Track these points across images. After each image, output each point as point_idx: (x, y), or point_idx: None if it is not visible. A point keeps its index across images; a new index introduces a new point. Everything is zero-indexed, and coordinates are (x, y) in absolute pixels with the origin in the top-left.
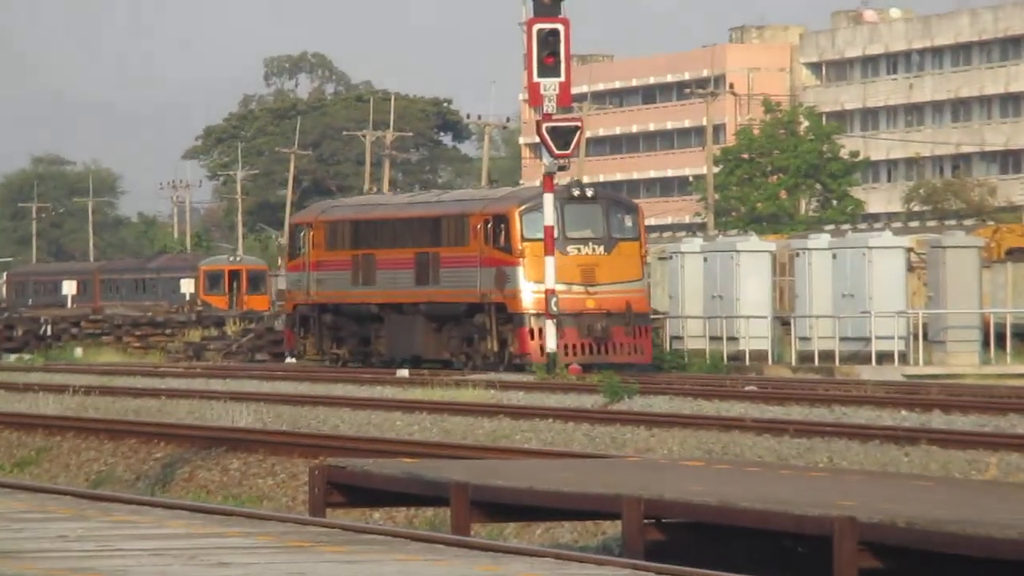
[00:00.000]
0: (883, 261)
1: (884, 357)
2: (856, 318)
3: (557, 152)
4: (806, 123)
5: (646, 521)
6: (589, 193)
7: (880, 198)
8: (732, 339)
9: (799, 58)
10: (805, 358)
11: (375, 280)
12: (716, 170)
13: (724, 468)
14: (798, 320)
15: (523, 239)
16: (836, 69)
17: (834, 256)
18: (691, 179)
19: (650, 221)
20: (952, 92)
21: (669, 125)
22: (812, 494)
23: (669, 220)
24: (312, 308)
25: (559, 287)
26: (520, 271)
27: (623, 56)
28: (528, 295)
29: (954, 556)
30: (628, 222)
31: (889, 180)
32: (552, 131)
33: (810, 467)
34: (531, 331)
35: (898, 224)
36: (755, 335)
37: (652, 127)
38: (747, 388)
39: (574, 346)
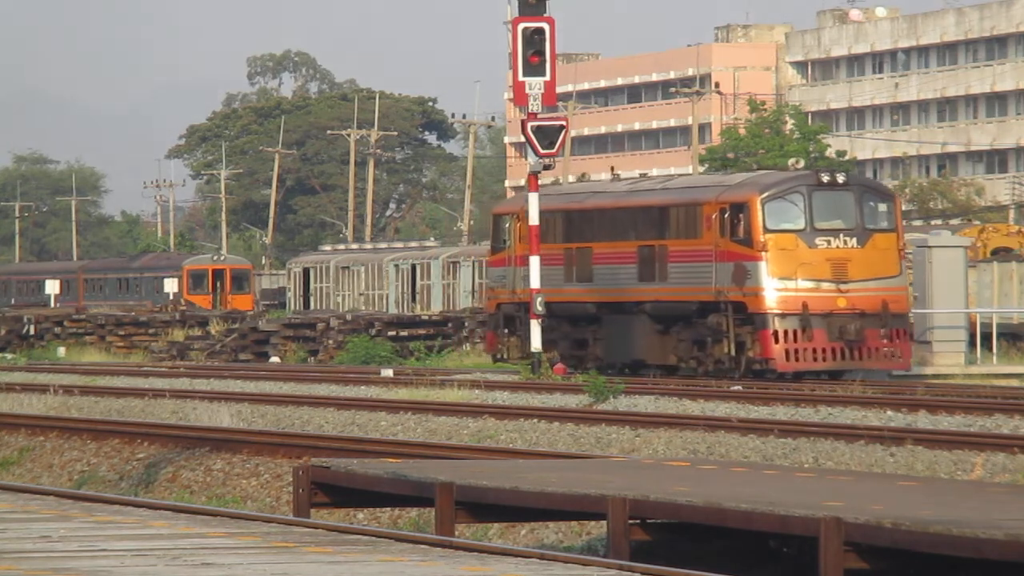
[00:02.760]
0: None
1: None
2: None
3: (542, 151)
4: (792, 122)
5: (631, 521)
6: (840, 179)
7: None
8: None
9: (785, 57)
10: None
11: (592, 276)
12: (701, 169)
13: (710, 468)
14: None
15: (766, 230)
16: (822, 68)
17: None
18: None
19: None
20: (938, 91)
21: (654, 124)
22: (798, 494)
23: None
24: (518, 307)
25: (806, 284)
26: (762, 266)
27: (608, 55)
28: (772, 293)
29: (940, 557)
30: (883, 211)
31: (875, 179)
32: (537, 130)
33: (796, 467)
34: (775, 333)
35: None
36: None
37: (637, 126)
38: (733, 388)
39: (823, 351)
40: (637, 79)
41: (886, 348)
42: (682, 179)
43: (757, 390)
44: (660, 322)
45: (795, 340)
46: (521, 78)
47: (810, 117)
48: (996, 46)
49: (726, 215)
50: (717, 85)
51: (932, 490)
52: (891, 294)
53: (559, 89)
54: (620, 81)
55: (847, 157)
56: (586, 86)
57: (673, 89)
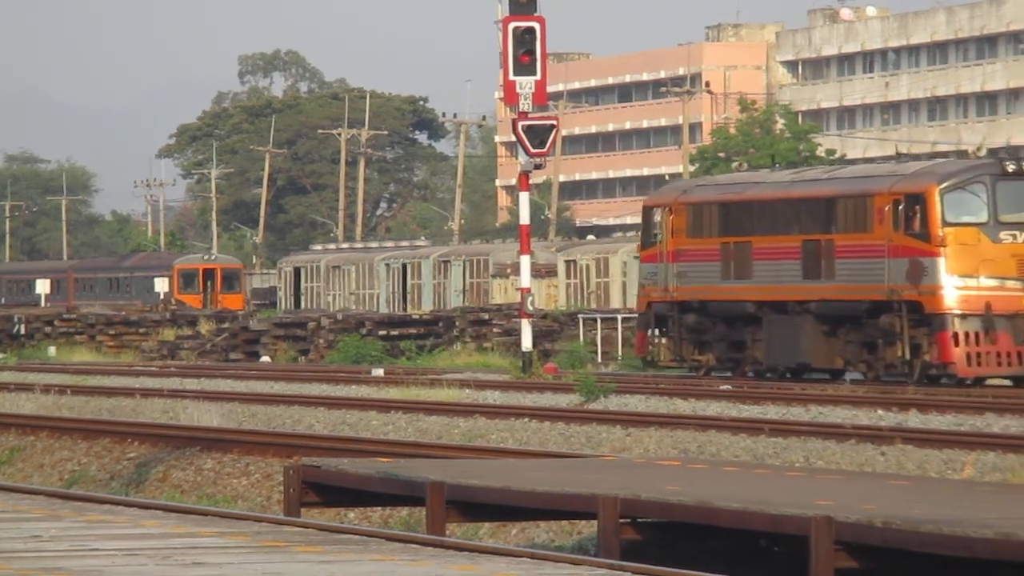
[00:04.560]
0: None
1: None
2: None
3: (533, 150)
4: (782, 122)
5: (622, 521)
6: None
7: None
8: None
9: (775, 56)
10: None
11: (751, 273)
12: (692, 169)
13: (700, 468)
14: None
15: (944, 223)
16: (812, 67)
17: None
18: (667, 178)
19: (626, 220)
20: (928, 91)
21: (645, 123)
22: (789, 494)
23: None
24: (671, 306)
25: (990, 282)
26: (941, 262)
27: (599, 54)
28: (951, 291)
29: (931, 555)
30: None
31: None
32: (528, 129)
33: (786, 467)
34: (955, 336)
35: None
36: None
37: (628, 125)
38: (723, 387)
39: (1008, 355)
40: (628, 78)
41: None
42: (851, 168)
43: (748, 389)
44: (826, 323)
45: (977, 343)
46: (512, 77)
47: (801, 116)
48: (986, 45)
49: (900, 207)
50: (708, 84)
51: (922, 489)
52: None
53: (550, 88)
54: (611, 80)
55: (837, 156)
56: (577, 85)
57: (664, 89)
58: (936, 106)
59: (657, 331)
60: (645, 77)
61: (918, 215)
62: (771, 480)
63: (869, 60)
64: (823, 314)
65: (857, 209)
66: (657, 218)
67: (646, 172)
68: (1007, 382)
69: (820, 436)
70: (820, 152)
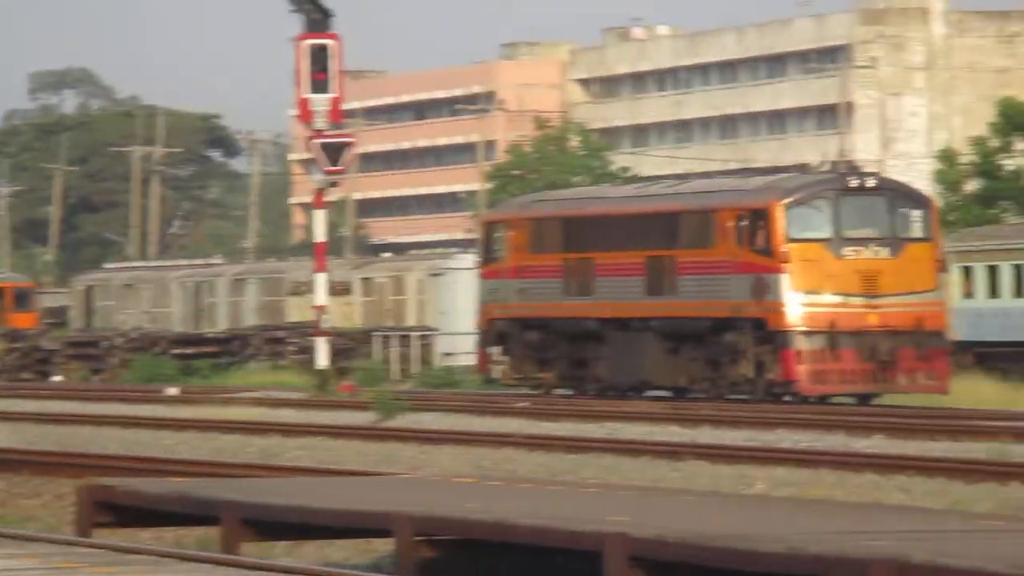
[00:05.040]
0: None
1: None
2: None
3: (328, 168)
4: (577, 139)
5: (418, 538)
6: (870, 182)
7: None
8: None
9: (570, 75)
10: None
11: (593, 290)
12: (488, 186)
13: (497, 484)
14: None
15: (788, 239)
16: (606, 86)
17: None
18: (463, 195)
19: (422, 238)
20: (719, 109)
21: (441, 141)
22: (584, 510)
23: (441, 236)
24: (512, 323)
25: (833, 299)
26: (785, 279)
27: (395, 72)
28: (795, 308)
29: (723, 570)
30: (918, 218)
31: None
32: (324, 147)
33: (582, 483)
34: (799, 353)
35: None
36: None
37: (424, 143)
38: (519, 404)
39: (852, 372)
40: (423, 96)
41: (922, 370)
42: (695, 183)
43: (543, 406)
44: (669, 340)
45: (821, 360)
46: (307, 95)
47: (595, 134)
48: (776, 64)
49: (744, 223)
50: (502, 102)
51: (715, 504)
52: (927, 310)
53: (345, 106)
54: (406, 98)
55: (631, 174)
56: (373, 103)
57: (459, 106)
58: (727, 124)
59: (498, 349)
60: (440, 95)
61: (762, 231)
62: (566, 496)
63: (661, 79)
64: (666, 331)
65: (700, 225)
66: (498, 234)
67: (442, 190)
68: (851, 400)
69: (615, 452)
70: (614, 170)
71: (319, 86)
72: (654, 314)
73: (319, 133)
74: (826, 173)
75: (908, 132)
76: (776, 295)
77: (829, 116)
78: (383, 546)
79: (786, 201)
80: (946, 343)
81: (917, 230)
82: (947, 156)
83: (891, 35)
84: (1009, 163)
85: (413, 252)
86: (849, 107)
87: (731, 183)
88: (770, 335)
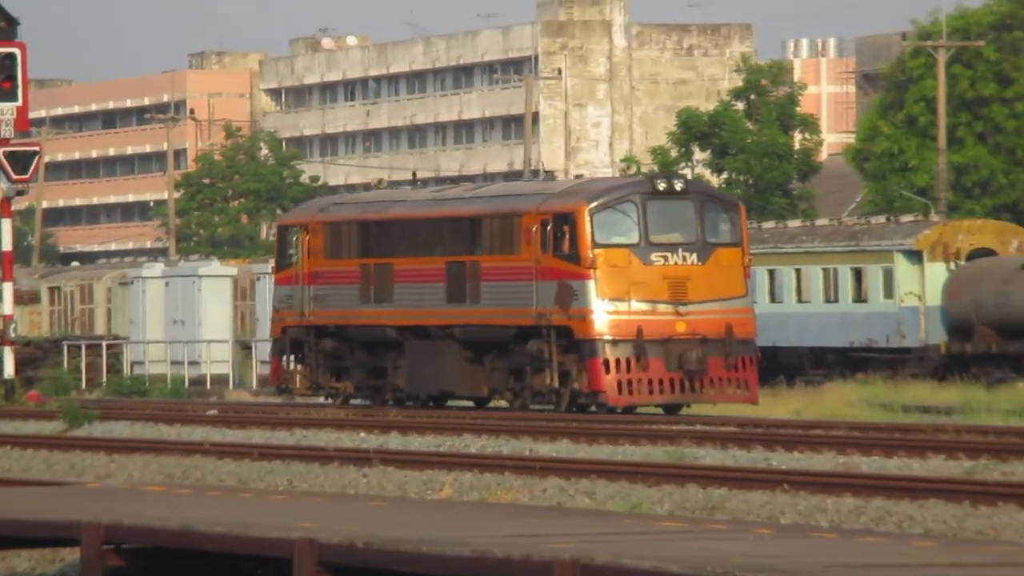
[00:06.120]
0: None
1: None
2: None
3: (15, 177)
4: (267, 149)
5: (106, 547)
6: (678, 186)
7: None
8: (194, 363)
9: (259, 84)
10: (266, 382)
11: (392, 297)
12: (177, 195)
13: (185, 493)
14: (259, 344)
15: (594, 244)
16: (295, 95)
17: None
18: (152, 204)
19: (111, 246)
20: (408, 119)
21: (129, 150)
22: (273, 517)
23: (130, 245)
24: (307, 331)
25: (641, 306)
26: (591, 285)
27: (82, 80)
28: (602, 316)
29: (411, 574)
30: (727, 223)
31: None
32: (10, 156)
33: (271, 490)
34: (606, 362)
35: None
36: (217, 359)
37: (112, 152)
38: (208, 412)
39: (660, 382)
40: (112, 104)
41: (731, 379)
42: (498, 186)
43: (233, 414)
44: (471, 349)
45: (628, 370)
46: None
47: (285, 143)
48: (463, 75)
49: (548, 227)
50: (192, 111)
51: (403, 509)
52: (736, 317)
53: (32, 115)
54: (94, 107)
55: (320, 183)
56: (60, 111)
57: (148, 115)
58: (416, 134)
59: (292, 358)
60: (129, 104)
61: (567, 236)
62: (255, 504)
63: (351, 89)
64: (468, 340)
65: (504, 229)
66: (293, 238)
67: (131, 199)
68: (659, 410)
69: (304, 459)
70: (304, 179)
71: (5, 94)
72: (455, 322)
73: (5, 141)
74: (634, 176)
75: (591, 142)
76: (582, 302)
77: (515, 126)
78: (70, 555)
79: (592, 205)
80: (755, 351)
81: (726, 235)
82: (629, 165)
83: (575, 47)
84: (688, 172)
85: (101, 261)
86: (534, 117)
87: (535, 186)
88: (576, 344)
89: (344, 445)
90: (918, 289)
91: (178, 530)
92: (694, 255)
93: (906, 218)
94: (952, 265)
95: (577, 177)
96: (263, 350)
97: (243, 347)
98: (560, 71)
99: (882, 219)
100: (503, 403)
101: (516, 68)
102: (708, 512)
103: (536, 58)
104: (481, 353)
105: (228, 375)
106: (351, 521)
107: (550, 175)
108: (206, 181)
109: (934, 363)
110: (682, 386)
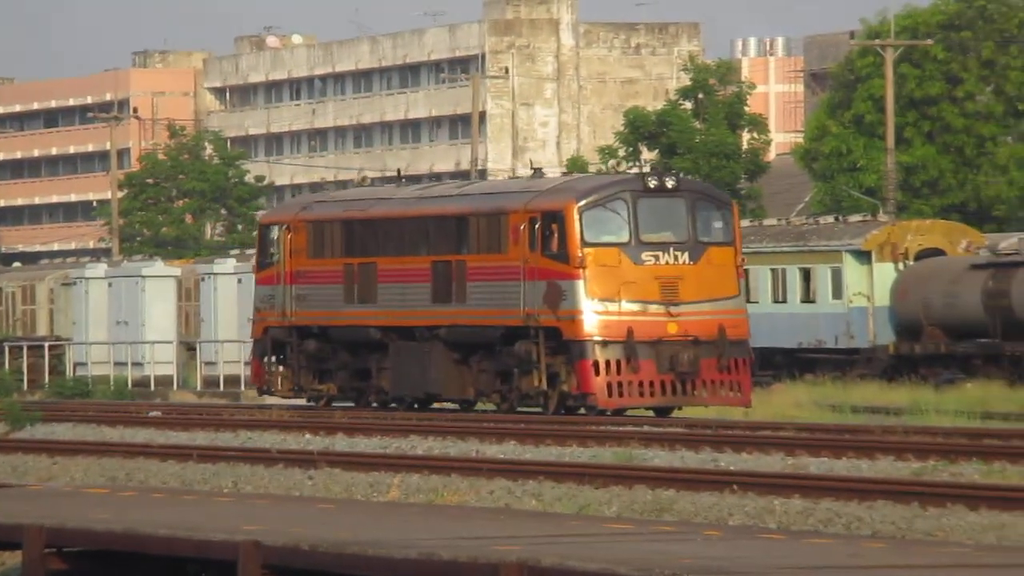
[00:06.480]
0: None
1: None
2: None
3: None
4: (211, 148)
5: (48, 551)
6: (669, 183)
7: None
8: (137, 365)
9: (203, 83)
10: (211, 383)
11: (376, 297)
12: (121, 195)
13: (129, 495)
14: (204, 345)
15: (584, 243)
16: (240, 94)
17: (240, 280)
18: (95, 204)
19: (53, 246)
20: (354, 118)
21: (72, 150)
22: (217, 519)
23: (73, 246)
24: (289, 332)
25: (631, 306)
26: (580, 285)
27: (24, 79)
28: (591, 317)
29: None
30: (720, 222)
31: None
32: None
33: (216, 492)
34: (596, 364)
35: None
36: (161, 360)
37: (55, 151)
38: (152, 414)
39: (651, 384)
40: (54, 104)
41: (723, 381)
42: (485, 184)
43: (177, 416)
44: (457, 350)
45: (618, 372)
46: None
47: (230, 143)
48: (409, 74)
49: (537, 226)
50: (136, 110)
51: (349, 512)
52: (729, 318)
53: None
54: (36, 106)
55: (266, 182)
56: (1, 111)
57: (91, 114)
58: (362, 133)
59: (274, 359)
60: (72, 103)
61: (556, 235)
62: (200, 506)
63: (296, 88)
64: (454, 341)
65: (491, 228)
66: (275, 236)
67: (74, 198)
68: (649, 412)
69: (249, 461)
70: (249, 178)
71: None
72: (441, 322)
73: None
74: (624, 173)
75: (539, 142)
76: (572, 303)
77: (462, 125)
78: (12, 559)
79: (582, 203)
80: (748, 353)
81: (718, 233)
82: (577, 165)
83: (522, 46)
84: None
85: (44, 261)
86: (481, 116)
87: (523, 183)
88: (565, 345)
89: (290, 447)
90: (867, 289)
91: (121, 533)
92: (686, 254)
93: (854, 218)
94: (901, 265)
95: (560, 177)
96: (207, 351)
97: (187, 348)
98: (507, 70)
99: (830, 219)
100: (490, 406)
101: (463, 67)
102: (656, 514)
103: (483, 57)
104: (467, 354)
105: (172, 376)
106: (297, 524)
107: (539, 172)
108: (150, 181)
109: (883, 364)
110: (674, 388)
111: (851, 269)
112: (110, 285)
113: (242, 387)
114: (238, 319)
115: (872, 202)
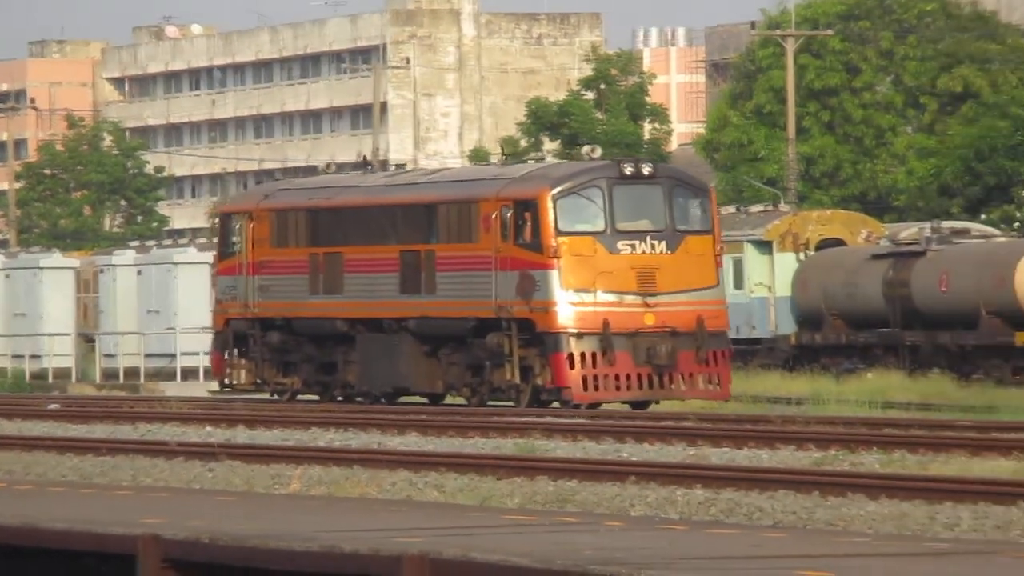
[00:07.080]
0: (188, 276)
1: (189, 373)
2: (162, 334)
3: None
4: (110, 139)
5: None
6: (646, 169)
7: (185, 214)
8: (35, 357)
9: (102, 73)
10: (110, 375)
11: (342, 287)
12: (18, 186)
13: (26, 488)
14: (103, 337)
15: (558, 232)
16: (139, 85)
17: (139, 272)
18: None
19: None
20: (254, 108)
21: None
22: (116, 512)
23: None
24: (251, 323)
25: (607, 297)
26: (554, 275)
27: None
28: (566, 308)
29: (258, 570)
30: (697, 209)
31: (194, 196)
32: None
33: (115, 485)
34: (571, 357)
35: (203, 240)
36: (59, 353)
37: None
38: (51, 407)
39: (627, 378)
40: None
41: (704, 373)
42: (455, 171)
43: (76, 408)
44: (427, 342)
45: (594, 365)
46: None
47: (128, 133)
48: (310, 64)
49: (509, 214)
50: (33, 101)
51: (250, 504)
52: (707, 308)
53: None
54: None
55: (165, 173)
56: None
57: None
58: (262, 124)
59: (236, 351)
60: None
61: (529, 223)
62: (99, 499)
63: (196, 78)
64: (423, 333)
65: (461, 216)
66: (236, 225)
67: None
68: (625, 407)
69: (148, 454)
70: (148, 169)
71: None
72: (410, 314)
73: None
74: (599, 159)
75: (440, 132)
76: (545, 293)
77: (363, 116)
78: None
79: (555, 190)
80: (728, 344)
81: (696, 221)
82: (479, 155)
83: (423, 36)
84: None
85: None
86: (383, 107)
87: (494, 171)
88: (539, 337)
89: (190, 439)
90: (768, 280)
91: (18, 527)
92: (663, 243)
93: (755, 208)
94: (801, 255)
95: (532, 164)
96: (107, 343)
97: (86, 340)
98: (408, 60)
99: (732, 209)
100: (460, 400)
101: (364, 57)
102: (558, 505)
103: (384, 47)
104: (437, 347)
105: (71, 369)
106: (197, 516)
107: (515, 159)
108: (48, 172)
109: (784, 354)
110: (651, 381)
111: (752, 259)
112: (7, 276)
113: (141, 379)
114: (137, 311)
115: (773, 192)
